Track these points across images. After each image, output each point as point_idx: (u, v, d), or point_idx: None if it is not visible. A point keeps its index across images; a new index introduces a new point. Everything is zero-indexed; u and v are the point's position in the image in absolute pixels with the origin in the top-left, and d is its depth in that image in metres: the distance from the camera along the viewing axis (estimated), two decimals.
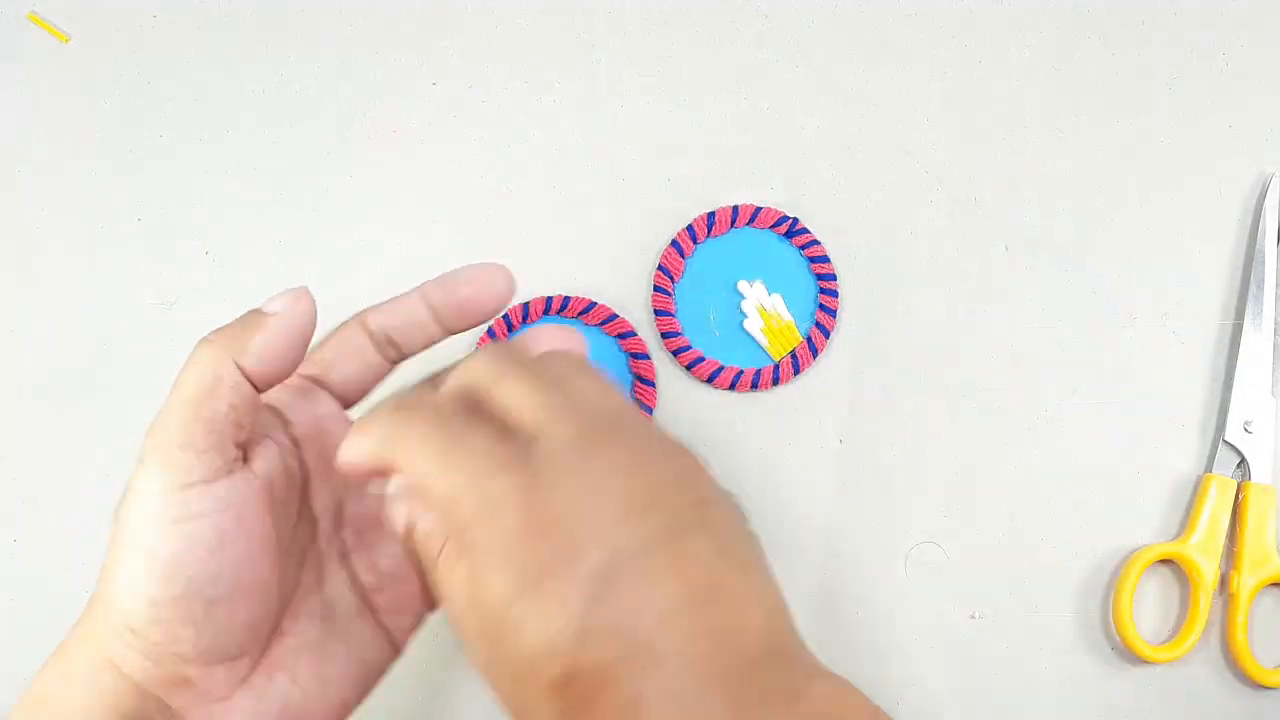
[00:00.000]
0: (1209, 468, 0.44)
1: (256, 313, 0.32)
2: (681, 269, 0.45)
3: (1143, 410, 0.44)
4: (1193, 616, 0.43)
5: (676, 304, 0.45)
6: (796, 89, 0.46)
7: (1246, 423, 0.43)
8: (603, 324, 0.45)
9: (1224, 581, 0.43)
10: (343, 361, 0.35)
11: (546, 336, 0.34)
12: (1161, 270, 0.45)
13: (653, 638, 0.26)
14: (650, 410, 0.45)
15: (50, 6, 0.48)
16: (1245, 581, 0.42)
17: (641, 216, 0.46)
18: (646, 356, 0.45)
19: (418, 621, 0.35)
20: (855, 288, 0.45)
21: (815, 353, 0.44)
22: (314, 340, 0.33)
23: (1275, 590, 0.44)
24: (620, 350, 0.45)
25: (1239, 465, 0.44)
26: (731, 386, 0.44)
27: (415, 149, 0.47)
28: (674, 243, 0.45)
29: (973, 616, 0.43)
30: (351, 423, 0.31)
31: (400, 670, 0.35)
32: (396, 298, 0.35)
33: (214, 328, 0.31)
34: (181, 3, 0.48)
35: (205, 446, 0.30)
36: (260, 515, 0.31)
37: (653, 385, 0.45)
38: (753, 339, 0.45)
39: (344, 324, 0.35)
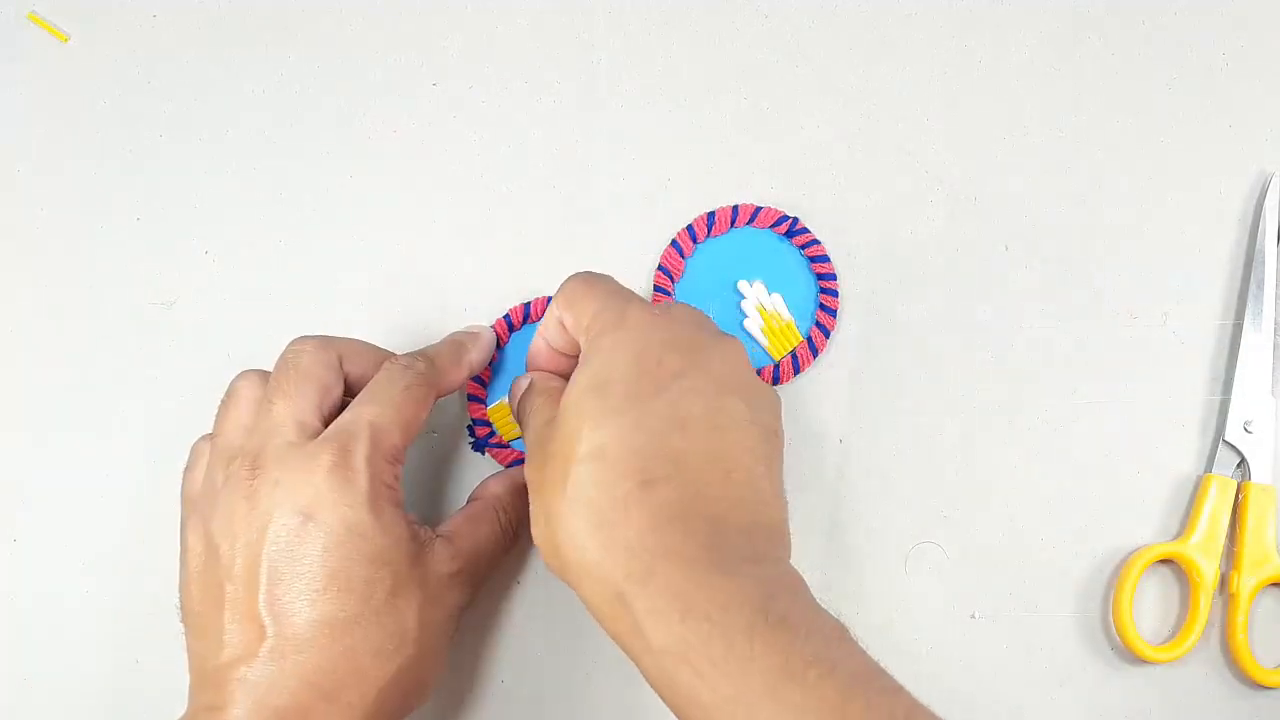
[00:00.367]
0: (1209, 468, 0.44)
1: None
2: (681, 269, 0.45)
3: (1143, 410, 0.44)
4: (1193, 617, 0.43)
5: None
6: (796, 89, 0.46)
7: (1246, 423, 0.43)
8: None
9: (1224, 581, 0.43)
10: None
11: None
12: (1161, 270, 0.45)
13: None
14: None
15: (50, 6, 0.48)
16: (1245, 581, 0.42)
17: (641, 216, 0.46)
18: None
19: None
20: (855, 288, 0.45)
21: (815, 352, 0.44)
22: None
23: (1275, 590, 0.44)
24: None
25: (1239, 465, 0.44)
26: None
27: (415, 149, 0.47)
28: (674, 242, 0.45)
29: (973, 616, 0.43)
30: None
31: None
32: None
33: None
34: (181, 3, 0.48)
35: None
36: None
37: None
38: (753, 339, 0.45)
39: None
